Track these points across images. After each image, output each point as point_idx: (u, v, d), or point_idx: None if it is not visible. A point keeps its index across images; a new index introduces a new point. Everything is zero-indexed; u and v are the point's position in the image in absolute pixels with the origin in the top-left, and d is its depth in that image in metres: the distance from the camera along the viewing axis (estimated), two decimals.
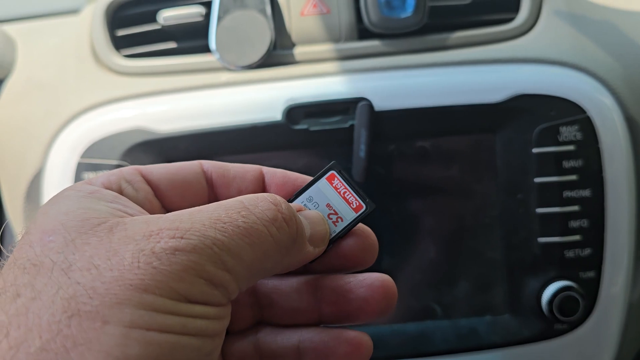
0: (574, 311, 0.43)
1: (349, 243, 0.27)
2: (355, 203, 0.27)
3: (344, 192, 0.27)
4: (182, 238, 0.20)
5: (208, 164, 0.27)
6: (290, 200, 0.27)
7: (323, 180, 0.27)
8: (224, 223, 0.21)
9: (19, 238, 0.21)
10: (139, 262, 0.19)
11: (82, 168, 0.45)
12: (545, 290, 0.44)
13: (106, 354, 0.17)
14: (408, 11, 0.47)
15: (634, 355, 0.49)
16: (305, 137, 0.45)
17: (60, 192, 0.23)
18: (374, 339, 0.48)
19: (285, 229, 0.23)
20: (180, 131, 0.45)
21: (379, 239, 0.28)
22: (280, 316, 0.27)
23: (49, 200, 0.23)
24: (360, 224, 0.27)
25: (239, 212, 0.22)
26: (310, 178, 0.28)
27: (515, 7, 0.50)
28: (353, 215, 0.27)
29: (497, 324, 0.46)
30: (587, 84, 0.46)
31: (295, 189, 0.28)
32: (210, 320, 0.20)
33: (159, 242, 0.20)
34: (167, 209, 0.26)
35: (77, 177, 0.45)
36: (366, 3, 0.47)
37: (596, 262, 0.44)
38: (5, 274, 0.19)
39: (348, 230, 0.27)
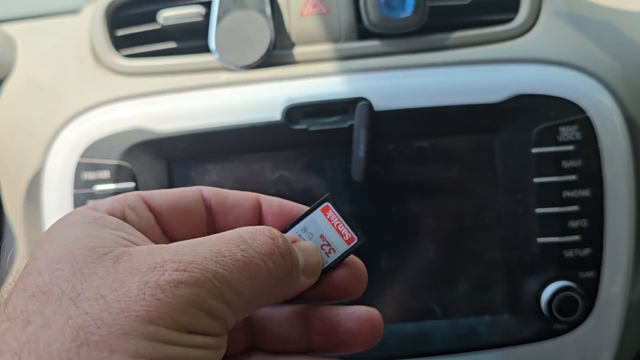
0: (573, 311, 0.43)
1: (340, 274, 0.28)
2: (348, 235, 0.28)
3: (337, 224, 0.28)
4: (185, 271, 0.21)
5: (208, 191, 0.28)
6: (286, 230, 0.28)
7: (318, 211, 0.28)
8: (224, 257, 0.22)
9: (26, 263, 0.22)
10: (144, 294, 0.20)
11: (82, 168, 0.45)
12: (544, 291, 0.44)
13: None
14: (408, 11, 0.47)
15: (633, 356, 0.49)
16: (304, 137, 0.45)
17: (65, 217, 0.24)
18: None
19: (281, 263, 0.24)
20: (179, 131, 0.45)
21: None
22: (272, 343, 0.28)
23: (55, 224, 0.24)
24: (351, 256, 0.28)
25: (239, 245, 0.23)
26: (306, 208, 0.29)
27: (514, 7, 0.50)
28: (345, 247, 0.28)
29: (497, 324, 0.46)
30: (586, 84, 0.46)
31: (291, 218, 0.29)
32: (208, 350, 0.21)
33: (163, 274, 0.20)
34: (167, 235, 0.27)
35: (77, 177, 0.45)
36: (366, 3, 0.47)
37: (595, 262, 0.44)
38: (15, 300, 0.20)
39: (340, 261, 0.28)
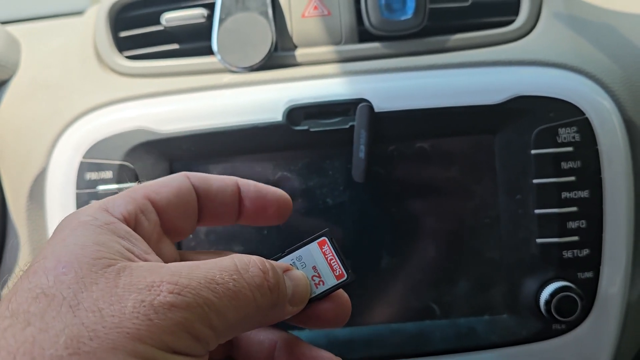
0: (572, 311, 0.43)
1: (325, 305, 0.29)
2: (339, 271, 0.29)
3: (331, 259, 0.30)
4: (179, 294, 0.22)
5: (194, 178, 0.30)
6: (282, 256, 0.30)
7: (314, 244, 0.30)
8: (217, 284, 0.23)
9: (35, 259, 0.23)
10: (138, 312, 0.21)
11: (85, 168, 0.46)
12: (543, 291, 0.44)
13: None
14: (408, 13, 0.47)
15: (632, 356, 0.49)
16: (305, 138, 0.45)
17: (79, 214, 0.26)
18: (373, 338, 0.49)
19: (268, 296, 0.25)
20: (182, 132, 0.45)
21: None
22: (245, 358, 0.30)
23: (67, 222, 0.25)
24: (340, 291, 0.30)
25: (231, 275, 0.24)
26: (279, 191, 0.31)
27: (514, 10, 0.50)
28: (334, 282, 0.29)
29: (496, 324, 0.46)
30: (585, 86, 0.46)
31: (266, 203, 0.31)
32: None
33: (158, 295, 0.22)
34: (165, 228, 0.29)
35: (80, 177, 0.46)
36: (367, 5, 0.47)
37: (594, 262, 0.45)
38: (20, 298, 0.21)
39: (327, 294, 0.29)
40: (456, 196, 0.46)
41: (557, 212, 0.44)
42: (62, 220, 0.26)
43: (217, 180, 0.31)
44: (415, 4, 0.47)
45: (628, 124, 0.46)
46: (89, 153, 0.46)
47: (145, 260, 0.25)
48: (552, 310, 0.43)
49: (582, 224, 0.44)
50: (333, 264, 0.29)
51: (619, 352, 0.46)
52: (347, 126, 0.45)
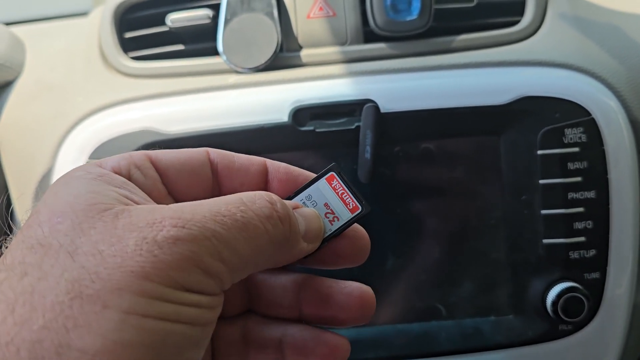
0: (578, 312, 0.43)
1: (343, 242, 0.28)
2: (352, 204, 0.28)
3: (342, 193, 0.28)
4: (183, 227, 0.20)
5: (215, 153, 0.28)
6: (290, 198, 0.28)
7: (322, 180, 0.28)
8: (224, 216, 0.22)
9: (29, 216, 0.22)
10: (141, 249, 0.20)
11: None
12: (550, 291, 0.44)
13: (103, 337, 0.18)
14: (414, 14, 0.47)
15: (638, 357, 0.49)
16: (311, 139, 0.45)
17: (71, 171, 0.24)
18: (379, 338, 0.48)
19: (280, 227, 0.24)
20: (188, 132, 0.45)
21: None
22: (266, 308, 0.28)
23: (59, 179, 0.24)
24: (355, 225, 0.28)
25: (238, 207, 0.23)
26: (313, 175, 0.29)
27: (520, 10, 0.50)
28: (349, 215, 0.28)
29: (502, 325, 0.46)
30: (591, 87, 0.46)
31: (297, 185, 0.28)
32: (203, 309, 0.21)
33: (161, 230, 0.20)
34: (172, 196, 0.27)
35: None
36: (372, 6, 0.47)
37: (601, 263, 0.45)
38: (14, 252, 0.20)
39: (343, 229, 0.27)
40: (462, 197, 0.46)
41: (564, 213, 0.44)
42: (56, 180, 0.24)
43: (241, 157, 0.28)
44: (420, 5, 0.47)
45: (634, 124, 0.46)
46: (95, 154, 0.46)
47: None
48: (559, 311, 0.43)
49: (589, 224, 0.44)
50: (345, 198, 0.28)
51: (625, 353, 0.46)
52: (353, 127, 0.45)
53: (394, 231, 0.46)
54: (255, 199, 0.24)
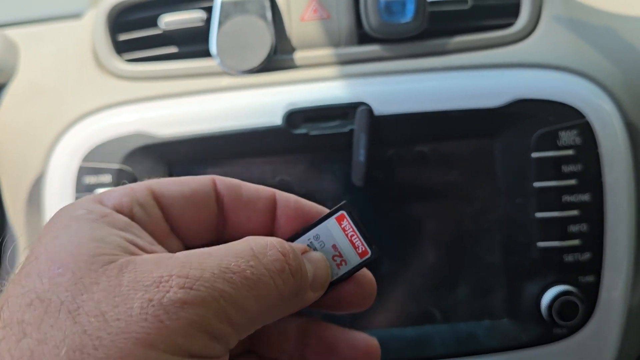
0: (573, 316, 0.43)
1: (348, 287, 0.27)
2: (362, 248, 0.26)
3: (352, 235, 0.27)
4: (191, 289, 0.20)
5: (222, 185, 0.27)
6: (298, 236, 0.27)
7: (332, 219, 0.27)
8: (233, 273, 0.21)
9: (26, 260, 0.21)
10: (147, 313, 0.19)
11: (84, 172, 0.46)
12: (544, 295, 0.44)
13: None
14: (408, 16, 0.47)
15: None
16: (305, 142, 0.45)
17: (70, 209, 0.23)
18: None
19: (291, 281, 0.23)
20: (181, 135, 0.45)
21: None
22: (267, 351, 0.27)
23: (58, 218, 0.23)
24: (363, 269, 0.27)
25: (248, 261, 0.22)
26: (325, 210, 0.27)
27: (514, 12, 0.50)
28: (357, 260, 0.26)
29: (496, 329, 0.46)
30: (586, 89, 0.46)
31: (305, 221, 0.27)
32: None
33: (168, 291, 0.19)
34: (175, 232, 0.26)
35: (79, 181, 0.46)
36: (366, 8, 0.47)
37: (596, 266, 0.44)
38: (12, 306, 0.19)
39: (350, 275, 0.26)
40: (456, 200, 0.46)
41: (558, 216, 0.44)
42: (53, 216, 0.23)
43: (249, 189, 0.27)
44: (415, 7, 0.47)
45: (629, 127, 0.46)
46: (88, 157, 0.46)
47: (152, 252, 0.22)
48: (554, 315, 0.43)
49: (584, 227, 0.44)
50: (355, 241, 0.26)
51: (620, 356, 0.46)
52: (347, 130, 0.45)
53: (388, 235, 0.46)
54: (266, 250, 0.22)
